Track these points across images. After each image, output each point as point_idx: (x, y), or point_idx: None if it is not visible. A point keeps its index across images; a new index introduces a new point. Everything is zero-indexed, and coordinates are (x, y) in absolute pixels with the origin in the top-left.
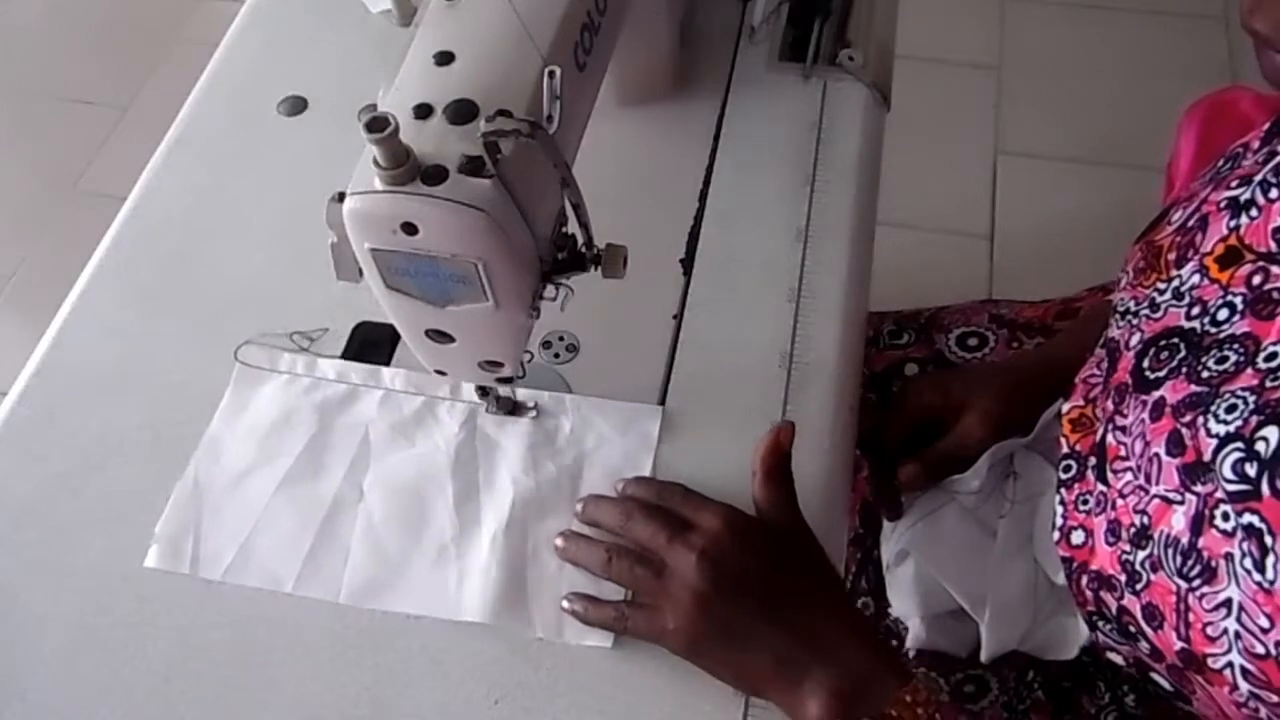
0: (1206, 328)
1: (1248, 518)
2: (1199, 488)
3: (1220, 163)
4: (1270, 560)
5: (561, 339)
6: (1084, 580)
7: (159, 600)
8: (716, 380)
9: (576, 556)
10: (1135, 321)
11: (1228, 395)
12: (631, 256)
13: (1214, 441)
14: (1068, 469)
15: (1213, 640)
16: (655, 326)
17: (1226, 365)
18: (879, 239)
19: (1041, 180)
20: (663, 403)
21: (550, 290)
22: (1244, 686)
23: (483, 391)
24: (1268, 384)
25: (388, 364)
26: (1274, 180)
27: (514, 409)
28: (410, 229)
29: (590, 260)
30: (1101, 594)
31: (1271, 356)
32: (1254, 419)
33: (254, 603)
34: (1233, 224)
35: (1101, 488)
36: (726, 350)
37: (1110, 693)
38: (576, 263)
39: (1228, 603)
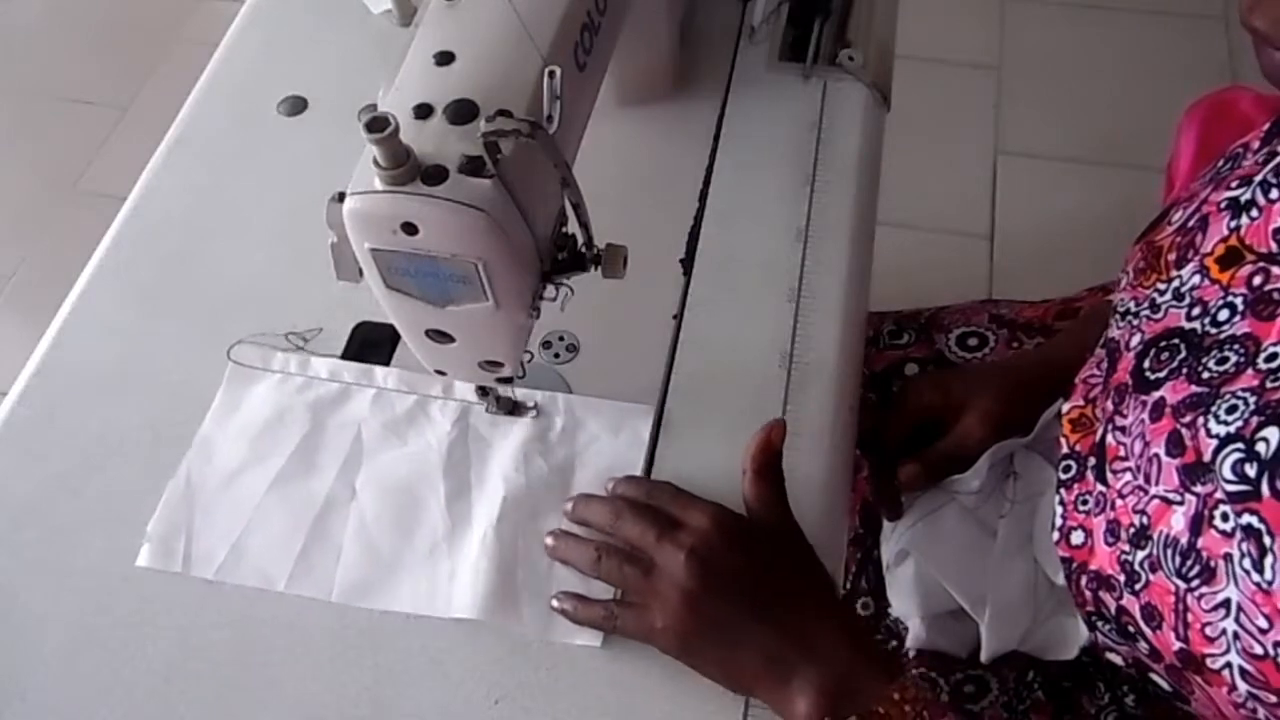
0: (1207, 328)
1: (1247, 518)
2: (1199, 488)
3: (1220, 163)
4: (1269, 561)
5: (561, 339)
6: (1083, 580)
7: (159, 600)
8: (716, 380)
9: (566, 555)
10: (1135, 322)
11: (1228, 396)
12: (631, 256)
13: (1214, 442)
14: (1067, 469)
15: (1211, 640)
16: (655, 326)
17: (1227, 366)
18: (879, 239)
19: (1041, 180)
20: (663, 403)
21: (550, 290)
22: (1242, 687)
23: (483, 391)
24: (1268, 385)
25: (388, 364)
26: (1274, 181)
27: (514, 409)
28: (410, 229)
29: (590, 260)
30: (1100, 594)
31: (1272, 357)
32: (1254, 420)
33: (254, 602)
34: (1233, 224)
35: (1101, 488)
36: (726, 350)
37: (1110, 693)
38: (576, 263)
39: (1226, 603)
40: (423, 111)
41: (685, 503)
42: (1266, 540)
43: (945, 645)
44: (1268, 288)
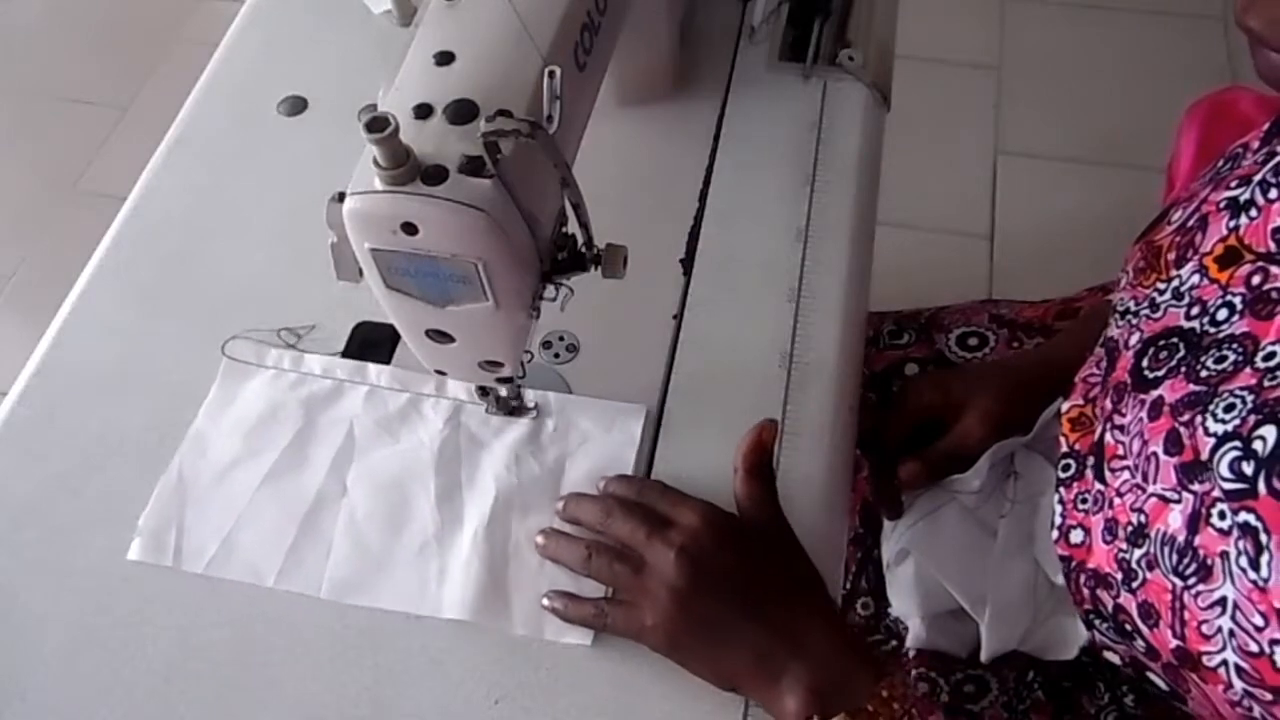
0: (1205, 327)
1: (1244, 516)
2: (1196, 486)
3: (1220, 163)
4: (1265, 558)
5: (561, 339)
6: (1081, 579)
7: (159, 600)
8: (716, 380)
9: (557, 554)
10: (1135, 321)
11: (1226, 394)
12: (631, 256)
13: (1212, 440)
14: (1066, 468)
15: (1207, 638)
16: (655, 326)
17: (1225, 365)
18: (879, 239)
19: (1041, 180)
20: (662, 403)
21: (550, 290)
22: (1238, 685)
23: (483, 392)
24: (1266, 383)
25: (388, 364)
26: (1273, 180)
27: (514, 410)
28: (410, 229)
29: (590, 260)
30: (1098, 592)
31: (1270, 356)
32: (1252, 418)
33: (254, 602)
34: (1232, 224)
35: (1099, 486)
36: (726, 350)
37: (1110, 693)
38: (576, 263)
39: (1222, 601)
40: (423, 111)
41: (676, 501)
42: (1263, 538)
43: (945, 645)
44: (1266, 287)
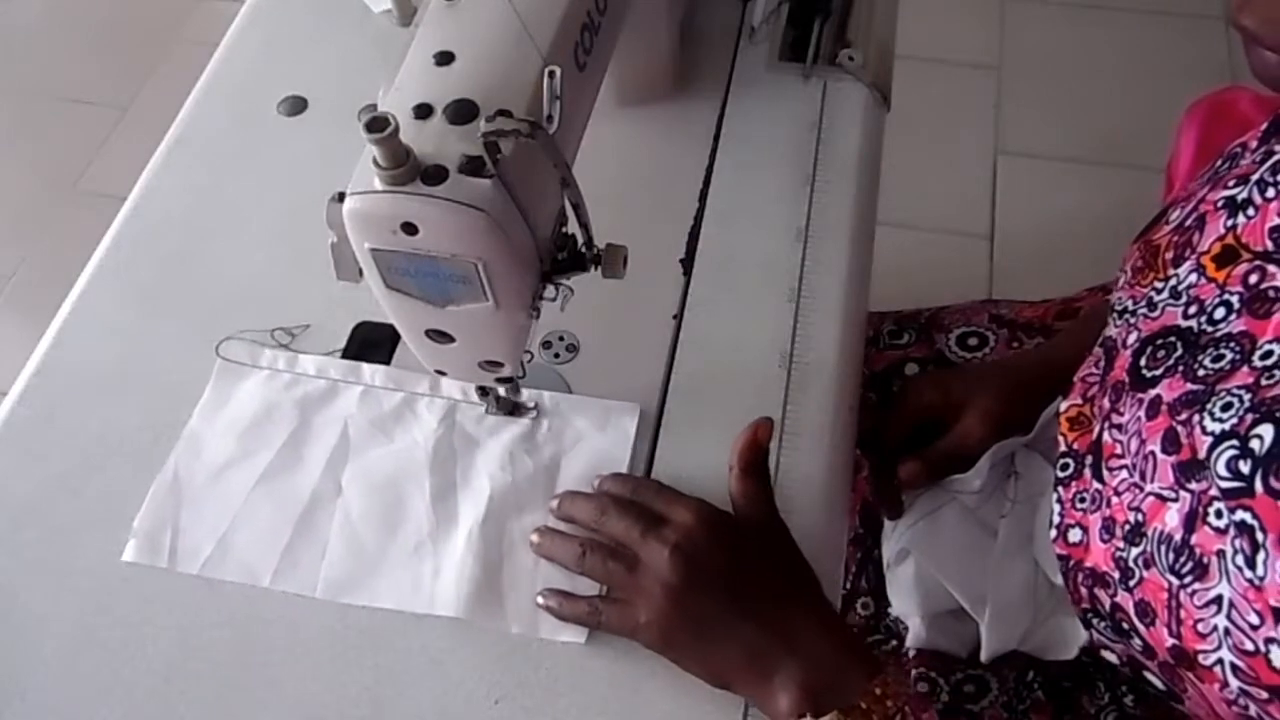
0: (1203, 326)
1: (1240, 515)
2: (1193, 485)
3: (1218, 162)
4: (1261, 557)
5: (561, 339)
6: (1079, 577)
7: (159, 600)
8: (716, 380)
9: (551, 552)
10: (1133, 320)
11: (1223, 393)
12: (631, 256)
13: (1209, 439)
14: (1065, 467)
15: (1203, 637)
16: (655, 326)
17: (1222, 363)
18: (879, 239)
19: (1041, 180)
20: (662, 402)
21: (550, 290)
22: (1234, 683)
23: (483, 392)
24: (1263, 382)
25: (388, 364)
26: (1271, 180)
27: (514, 409)
28: (410, 229)
29: (590, 260)
30: (1096, 591)
31: (1267, 354)
32: (1249, 417)
33: (254, 602)
34: (1230, 223)
35: (1097, 485)
36: (726, 350)
37: (1110, 693)
38: (576, 263)
39: (1218, 599)
40: (423, 111)
41: (670, 499)
42: (1259, 537)
43: (945, 645)
44: (1263, 286)
